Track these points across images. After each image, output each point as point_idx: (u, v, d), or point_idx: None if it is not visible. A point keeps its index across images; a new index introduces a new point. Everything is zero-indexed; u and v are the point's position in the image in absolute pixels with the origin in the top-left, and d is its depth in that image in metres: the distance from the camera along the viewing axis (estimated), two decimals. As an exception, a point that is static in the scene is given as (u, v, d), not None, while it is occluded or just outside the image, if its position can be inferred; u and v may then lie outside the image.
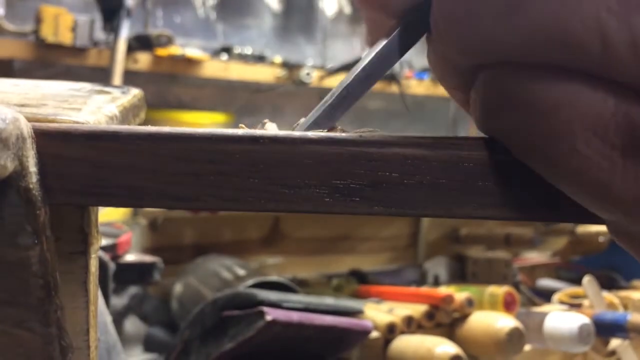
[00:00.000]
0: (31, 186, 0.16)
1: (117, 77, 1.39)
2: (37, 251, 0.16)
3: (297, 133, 0.18)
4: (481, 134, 0.21)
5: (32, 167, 0.16)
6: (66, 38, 1.40)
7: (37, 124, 0.18)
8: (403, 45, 0.19)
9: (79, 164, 0.17)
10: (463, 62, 0.17)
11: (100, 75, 1.41)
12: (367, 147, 0.18)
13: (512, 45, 0.15)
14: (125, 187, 0.17)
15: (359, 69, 0.19)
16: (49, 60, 1.45)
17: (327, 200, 0.18)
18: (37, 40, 1.40)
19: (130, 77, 1.46)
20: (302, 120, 0.20)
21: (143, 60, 1.51)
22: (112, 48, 1.41)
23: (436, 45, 0.17)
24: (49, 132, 0.17)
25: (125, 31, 1.42)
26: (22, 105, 0.24)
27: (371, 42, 0.20)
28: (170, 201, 0.18)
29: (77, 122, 0.22)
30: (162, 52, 1.53)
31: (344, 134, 0.18)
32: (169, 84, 1.76)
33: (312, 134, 0.18)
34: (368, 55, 0.19)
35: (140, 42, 1.50)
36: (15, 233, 0.15)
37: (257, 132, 0.18)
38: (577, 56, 0.14)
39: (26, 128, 0.16)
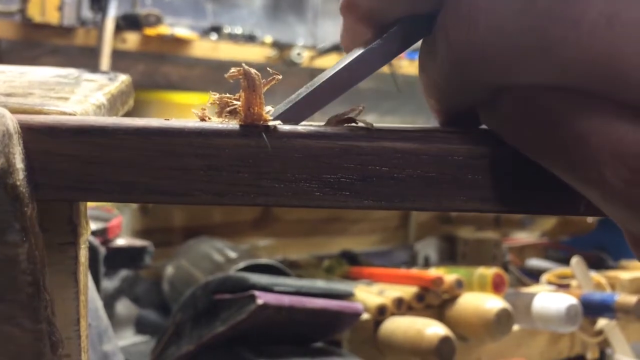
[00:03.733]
0: (18, 183, 0.16)
1: (105, 57, 1.37)
2: (25, 248, 0.16)
3: (287, 127, 0.18)
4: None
5: (19, 163, 0.16)
6: (53, 17, 1.38)
7: (22, 118, 0.17)
8: (391, 52, 0.19)
9: (67, 160, 0.17)
10: (484, 84, 0.17)
11: (88, 55, 1.40)
12: (357, 141, 0.18)
13: (551, 73, 0.15)
14: (114, 182, 0.17)
15: (340, 67, 0.19)
16: (35, 40, 1.43)
17: (317, 195, 0.18)
18: (23, 20, 1.38)
19: (119, 57, 1.44)
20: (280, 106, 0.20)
21: (131, 40, 1.49)
22: (99, 28, 1.39)
23: (451, 63, 0.17)
24: (35, 127, 0.17)
25: (113, 10, 1.40)
26: (8, 95, 0.24)
27: (348, 48, 0.20)
28: (160, 196, 0.17)
29: (65, 113, 0.22)
30: (150, 31, 1.51)
31: (334, 128, 0.18)
32: (158, 64, 1.74)
33: (302, 127, 0.18)
34: (349, 57, 0.19)
35: (129, 22, 1.48)
36: (3, 230, 0.15)
37: (247, 126, 0.18)
38: (620, 88, 0.14)
39: (12, 123, 0.16)
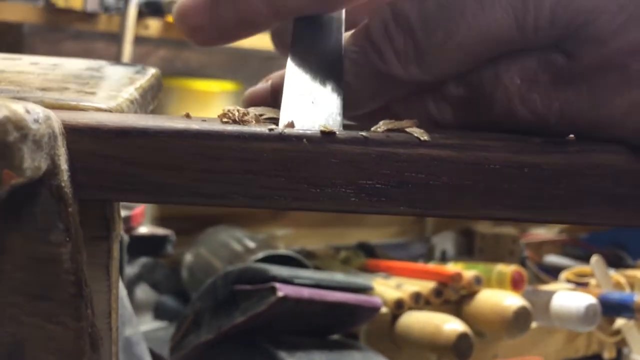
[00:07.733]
0: (63, 184, 0.16)
1: (128, 44, 1.38)
2: (68, 248, 0.16)
3: (325, 132, 0.18)
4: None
5: (64, 164, 0.16)
6: (76, 3, 1.38)
7: (66, 119, 0.18)
8: None
9: (109, 160, 0.17)
10: None
11: (110, 40, 1.40)
12: (394, 148, 0.18)
13: None
14: (154, 183, 0.17)
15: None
16: (58, 25, 1.44)
17: (353, 200, 0.18)
18: (47, 5, 1.39)
19: (139, 43, 1.45)
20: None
21: (153, 26, 1.50)
22: (122, 14, 1.39)
23: None
24: (78, 128, 0.17)
25: (136, -3, 1.41)
26: (44, 89, 0.24)
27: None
28: (198, 198, 0.18)
29: (100, 109, 0.22)
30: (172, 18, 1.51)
31: (372, 134, 0.18)
32: (178, 51, 1.75)
33: (339, 133, 0.18)
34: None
35: (151, 8, 1.48)
36: (47, 231, 0.16)
37: (286, 130, 0.18)
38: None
39: (57, 125, 0.16)
